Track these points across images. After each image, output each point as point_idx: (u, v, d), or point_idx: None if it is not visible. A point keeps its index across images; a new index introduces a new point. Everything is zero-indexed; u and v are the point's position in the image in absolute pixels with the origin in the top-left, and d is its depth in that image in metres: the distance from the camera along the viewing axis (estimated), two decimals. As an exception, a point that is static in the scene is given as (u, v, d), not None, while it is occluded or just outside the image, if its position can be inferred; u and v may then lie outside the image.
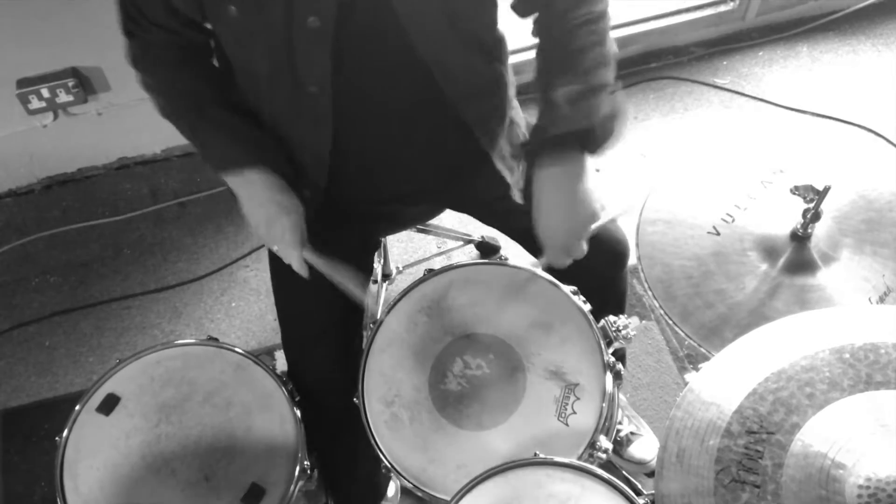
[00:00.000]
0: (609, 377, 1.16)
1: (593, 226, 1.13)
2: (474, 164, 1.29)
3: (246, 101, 1.20)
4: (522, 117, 1.37)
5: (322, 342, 1.32)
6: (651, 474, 1.65)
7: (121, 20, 1.17)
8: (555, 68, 1.09)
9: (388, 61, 1.13)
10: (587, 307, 1.22)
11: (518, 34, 1.21)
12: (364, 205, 1.36)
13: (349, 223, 1.35)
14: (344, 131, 1.18)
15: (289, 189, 1.20)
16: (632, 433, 1.68)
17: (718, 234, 1.23)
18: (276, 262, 1.37)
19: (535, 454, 1.06)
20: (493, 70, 1.24)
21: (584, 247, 1.12)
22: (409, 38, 1.08)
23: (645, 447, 1.68)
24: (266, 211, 1.19)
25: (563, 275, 1.24)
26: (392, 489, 1.63)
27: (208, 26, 1.15)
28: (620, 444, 1.68)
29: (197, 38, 1.17)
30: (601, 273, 1.35)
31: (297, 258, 1.18)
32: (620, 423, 1.66)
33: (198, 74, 1.20)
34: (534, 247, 1.17)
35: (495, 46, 1.23)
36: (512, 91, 1.32)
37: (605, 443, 1.12)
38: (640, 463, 1.66)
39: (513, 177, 1.31)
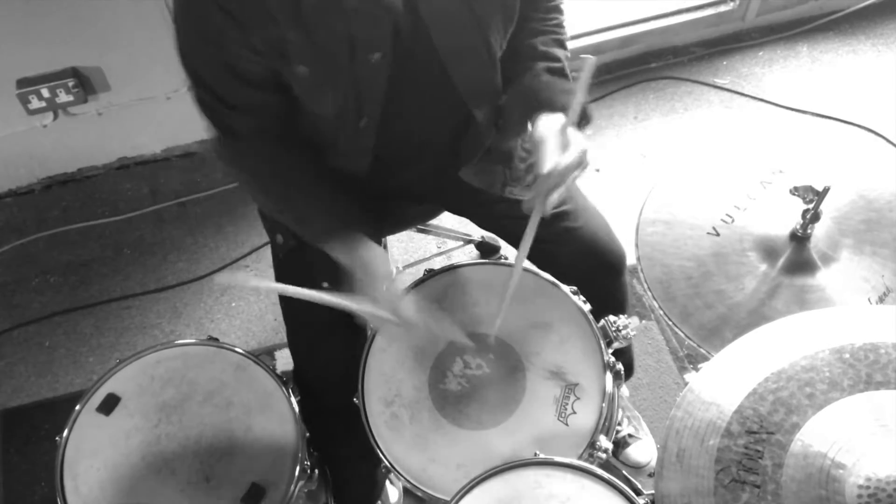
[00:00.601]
0: (609, 377, 1.16)
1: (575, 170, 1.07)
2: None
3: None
4: None
5: (328, 340, 1.32)
6: (650, 475, 1.65)
7: (206, 118, 1.13)
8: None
9: (425, 88, 1.15)
10: (587, 307, 1.22)
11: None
12: (369, 206, 1.36)
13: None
14: (380, 160, 1.22)
15: (382, 264, 1.16)
16: (629, 435, 1.68)
17: (718, 234, 1.23)
18: (279, 262, 1.37)
19: (535, 454, 1.06)
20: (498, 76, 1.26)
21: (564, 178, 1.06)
22: (442, 63, 1.11)
23: (642, 450, 1.68)
24: (379, 282, 1.14)
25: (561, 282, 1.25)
26: (395, 494, 1.63)
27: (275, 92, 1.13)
28: (618, 446, 1.68)
29: (276, 100, 1.13)
30: (599, 282, 1.35)
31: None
32: (620, 423, 1.66)
33: (292, 160, 1.17)
34: (534, 254, 1.18)
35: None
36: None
37: (605, 443, 1.12)
38: (636, 466, 1.66)
39: (490, 178, 1.33)
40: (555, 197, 1.04)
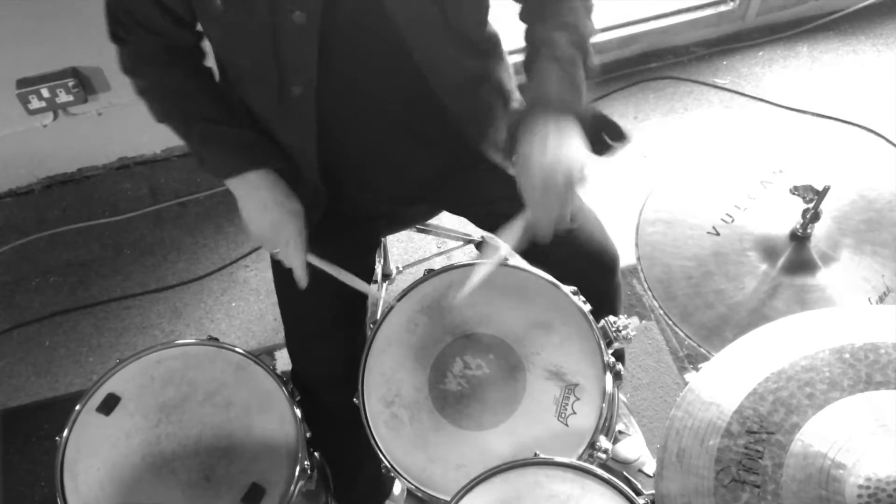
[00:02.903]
0: (609, 377, 1.16)
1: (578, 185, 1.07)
2: (467, 163, 1.29)
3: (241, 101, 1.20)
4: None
5: (325, 338, 1.32)
6: (642, 471, 1.64)
7: (108, 25, 1.15)
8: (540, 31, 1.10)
9: (375, 59, 1.11)
10: (587, 307, 1.22)
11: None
12: (362, 205, 1.36)
13: (348, 223, 1.35)
14: (331, 133, 1.16)
15: (291, 192, 1.19)
16: (619, 432, 1.68)
17: (718, 234, 1.23)
18: (278, 263, 1.37)
19: (535, 454, 1.06)
20: (483, 66, 1.23)
21: (568, 212, 1.06)
22: (398, 33, 1.06)
23: (631, 447, 1.68)
24: (269, 215, 1.18)
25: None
26: (398, 488, 1.63)
27: (198, 27, 1.14)
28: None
29: (186, 38, 1.15)
30: (593, 283, 1.35)
31: (299, 264, 1.17)
32: (611, 421, 1.66)
33: (187, 73, 1.18)
34: (530, 252, 1.17)
35: (485, 41, 1.22)
36: (510, 85, 1.31)
37: (605, 443, 1.12)
38: (625, 462, 1.66)
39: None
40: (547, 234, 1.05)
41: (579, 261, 1.33)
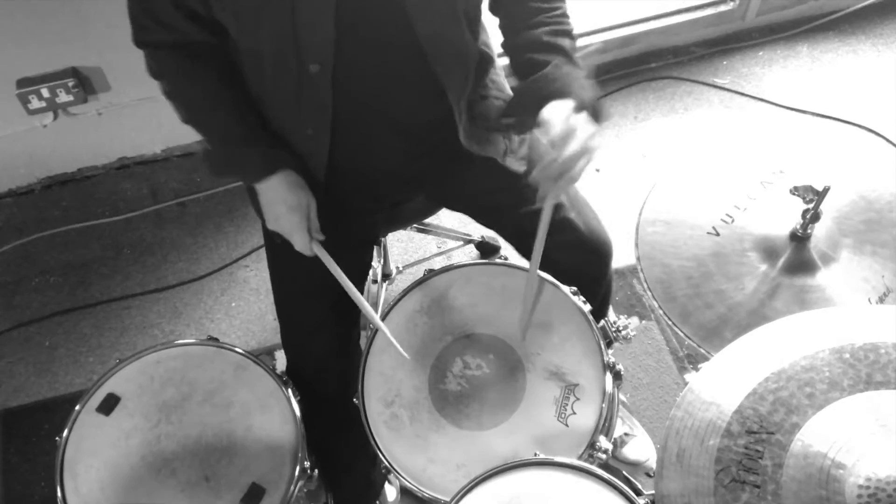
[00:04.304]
0: (609, 377, 1.16)
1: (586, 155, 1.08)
2: (461, 154, 1.29)
3: (254, 102, 1.21)
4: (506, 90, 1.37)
5: (320, 332, 1.33)
6: (648, 474, 1.65)
7: (132, 30, 1.16)
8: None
9: (383, 37, 1.12)
10: (587, 307, 1.22)
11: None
12: (362, 196, 1.36)
13: (348, 219, 1.35)
14: (340, 114, 1.18)
15: (302, 185, 1.21)
16: (625, 434, 1.68)
17: (718, 234, 1.23)
18: (274, 257, 1.37)
19: (535, 454, 1.06)
20: (475, 46, 1.24)
21: (577, 173, 1.07)
22: (405, 11, 1.08)
23: (639, 448, 1.68)
24: (275, 209, 1.21)
25: (550, 274, 1.25)
26: (392, 494, 1.63)
27: (213, 23, 1.14)
28: (614, 446, 1.67)
29: (203, 37, 1.16)
30: (588, 273, 1.35)
31: (303, 246, 1.21)
32: (614, 424, 1.66)
33: (207, 85, 1.20)
34: (526, 245, 1.17)
35: (477, 21, 1.23)
36: (492, 69, 1.32)
37: (604, 443, 1.12)
38: (635, 464, 1.66)
39: (493, 147, 1.31)
40: (564, 183, 1.05)
41: (577, 250, 1.34)
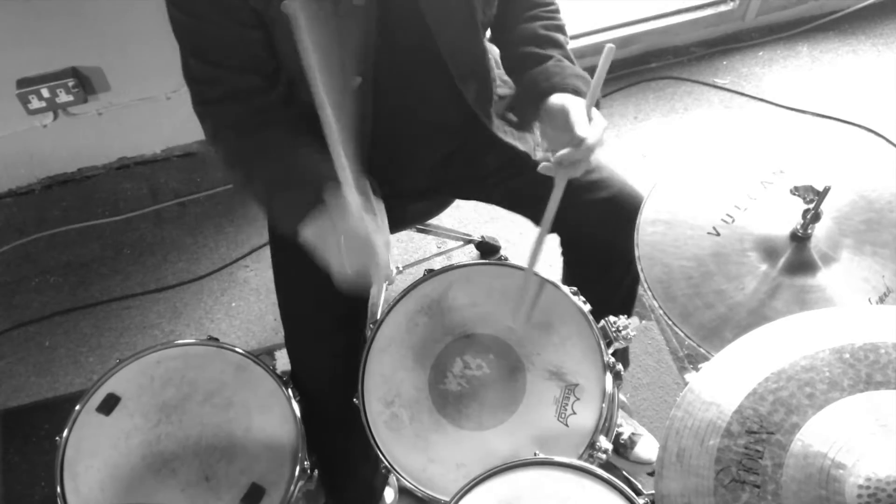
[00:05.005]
0: (609, 377, 1.16)
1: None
2: (482, 146, 1.31)
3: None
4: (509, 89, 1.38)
5: (325, 338, 1.32)
6: (650, 473, 1.65)
7: (192, 95, 1.15)
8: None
9: (409, 47, 1.14)
10: (587, 307, 1.22)
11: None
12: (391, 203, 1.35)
13: None
14: (380, 125, 1.19)
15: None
16: (634, 434, 1.69)
17: (718, 234, 1.22)
18: (278, 260, 1.37)
19: (535, 454, 1.06)
20: (485, 48, 1.26)
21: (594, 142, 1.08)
22: (423, 18, 1.10)
23: (649, 447, 1.69)
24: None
25: (572, 235, 1.30)
26: (391, 495, 1.63)
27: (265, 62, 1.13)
28: (625, 447, 1.68)
29: (262, 88, 1.14)
30: (620, 233, 1.31)
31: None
32: (620, 425, 1.66)
33: (267, 134, 1.15)
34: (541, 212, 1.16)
35: (490, 24, 1.25)
36: (495, 66, 1.34)
37: (605, 443, 1.12)
38: (648, 462, 1.67)
39: (525, 143, 1.33)
40: (579, 171, 1.08)
41: (612, 207, 1.33)
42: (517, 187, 1.38)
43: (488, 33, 1.31)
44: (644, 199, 1.26)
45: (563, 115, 1.08)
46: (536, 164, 1.16)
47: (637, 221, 1.22)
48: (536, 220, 1.39)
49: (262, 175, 1.14)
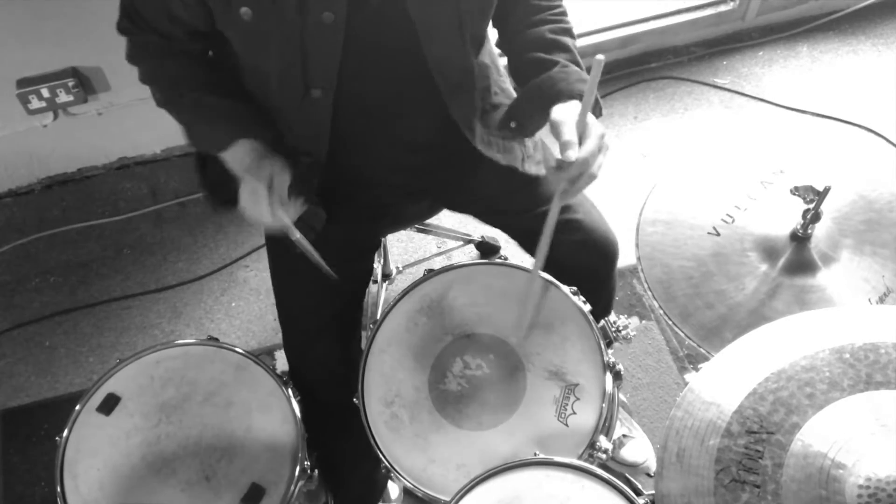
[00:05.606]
0: (609, 377, 1.16)
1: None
2: (469, 162, 1.29)
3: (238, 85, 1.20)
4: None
5: (322, 338, 1.33)
6: (648, 475, 1.65)
7: (119, 19, 1.16)
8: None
9: (389, 60, 1.12)
10: (587, 307, 1.22)
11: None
12: (364, 209, 1.36)
13: (349, 222, 1.35)
14: (341, 133, 1.17)
15: (265, 155, 1.14)
16: (623, 436, 1.68)
17: (718, 234, 1.23)
18: (276, 260, 1.37)
19: (535, 454, 1.06)
20: (475, 63, 1.24)
21: (596, 170, 1.06)
22: (415, 35, 1.08)
23: (637, 449, 1.68)
24: (240, 178, 1.13)
25: (557, 274, 1.24)
26: (395, 491, 1.63)
27: (205, 34, 1.14)
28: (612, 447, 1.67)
29: (192, 47, 1.16)
30: (595, 275, 1.35)
31: (263, 212, 1.10)
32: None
33: (184, 62, 1.19)
34: (534, 245, 1.17)
35: (482, 42, 1.23)
36: (495, 75, 1.31)
37: (604, 443, 1.12)
38: (633, 465, 1.66)
39: (511, 154, 1.30)
40: (581, 184, 1.04)
41: (584, 251, 1.34)
42: (504, 210, 1.37)
43: (491, 45, 1.29)
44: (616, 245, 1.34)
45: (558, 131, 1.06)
46: (523, 176, 1.15)
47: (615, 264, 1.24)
48: (528, 249, 1.40)
49: (188, 99, 1.18)
